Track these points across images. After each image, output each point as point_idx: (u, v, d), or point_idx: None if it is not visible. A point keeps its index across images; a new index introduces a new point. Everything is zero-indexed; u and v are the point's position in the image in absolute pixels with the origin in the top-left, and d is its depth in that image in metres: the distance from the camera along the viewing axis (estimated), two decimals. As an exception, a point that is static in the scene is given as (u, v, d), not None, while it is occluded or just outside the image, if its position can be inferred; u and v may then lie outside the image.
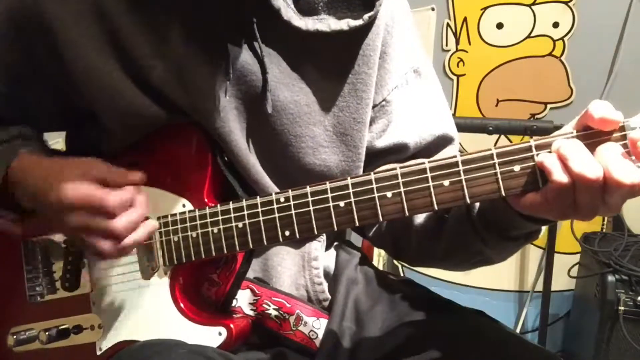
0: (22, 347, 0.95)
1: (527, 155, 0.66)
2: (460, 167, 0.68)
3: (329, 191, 0.74)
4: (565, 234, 2.10)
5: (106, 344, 0.90)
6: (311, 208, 0.75)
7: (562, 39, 2.08)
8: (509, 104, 2.16)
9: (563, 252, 2.16)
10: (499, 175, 0.67)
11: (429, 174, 0.69)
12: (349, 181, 0.73)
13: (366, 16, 0.84)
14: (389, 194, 0.71)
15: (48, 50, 0.83)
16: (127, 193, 0.79)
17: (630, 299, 1.77)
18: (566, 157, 0.62)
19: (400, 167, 0.71)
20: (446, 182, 0.69)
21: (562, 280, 2.16)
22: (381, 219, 0.72)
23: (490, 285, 2.32)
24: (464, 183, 0.68)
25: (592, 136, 0.64)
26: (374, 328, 0.90)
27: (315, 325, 0.89)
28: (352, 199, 0.73)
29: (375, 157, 0.94)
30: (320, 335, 0.89)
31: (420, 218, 0.91)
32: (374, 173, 0.72)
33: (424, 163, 0.70)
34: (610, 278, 1.80)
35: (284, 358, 0.89)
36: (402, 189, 0.71)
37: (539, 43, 2.10)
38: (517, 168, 0.66)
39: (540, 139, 0.66)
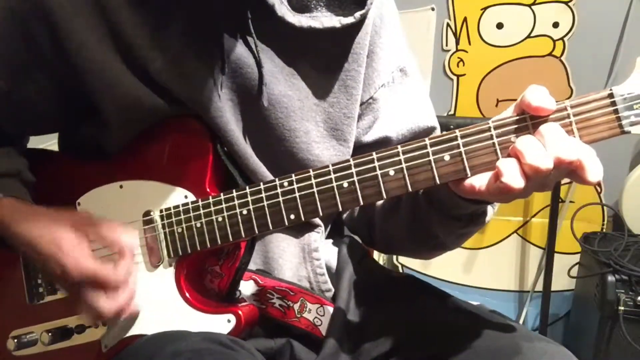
0: (23, 350, 0.94)
1: (523, 125, 0.68)
2: (460, 141, 0.70)
3: (331, 172, 0.75)
4: (565, 234, 2.10)
5: (112, 340, 0.89)
6: (315, 189, 0.76)
7: (562, 39, 2.09)
8: (509, 104, 2.14)
9: (563, 252, 2.16)
10: (497, 147, 0.68)
11: (429, 149, 0.71)
12: (352, 162, 0.75)
13: (357, 14, 0.87)
14: (391, 172, 0.73)
15: (50, 40, 0.84)
16: (126, 264, 0.83)
17: (630, 299, 1.77)
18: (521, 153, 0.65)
19: (402, 146, 0.72)
20: (447, 157, 0.71)
21: (562, 280, 2.16)
22: (385, 196, 0.74)
23: (490, 285, 2.32)
24: (464, 156, 0.70)
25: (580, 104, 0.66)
26: (378, 322, 0.90)
27: (320, 312, 0.89)
28: (355, 178, 0.74)
29: (360, 149, 0.96)
30: (325, 322, 0.89)
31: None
32: (376, 153, 0.73)
33: (424, 140, 0.71)
34: (610, 278, 1.80)
35: (290, 346, 0.89)
36: (403, 165, 0.72)
37: (539, 43, 2.11)
38: (513, 139, 0.68)
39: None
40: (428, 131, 0.98)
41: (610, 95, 0.65)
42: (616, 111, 0.65)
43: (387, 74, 0.96)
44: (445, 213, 0.82)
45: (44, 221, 0.84)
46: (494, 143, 0.68)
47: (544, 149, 0.64)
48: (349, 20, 0.86)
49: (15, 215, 0.86)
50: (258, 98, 0.86)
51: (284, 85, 0.88)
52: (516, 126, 0.68)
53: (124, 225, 0.86)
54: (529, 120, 0.67)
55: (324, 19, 0.86)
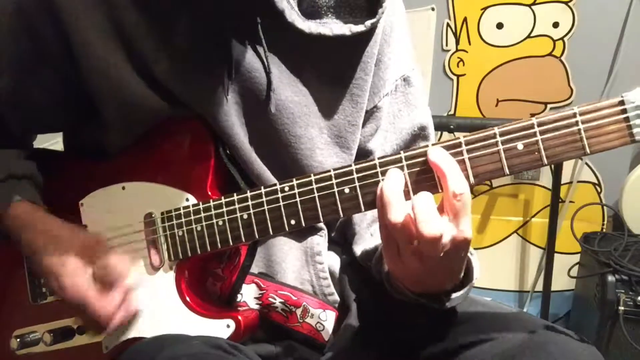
0: (25, 350, 0.94)
1: (530, 132, 0.67)
2: (464, 147, 0.69)
3: (333, 177, 0.75)
4: (565, 234, 2.10)
5: (112, 342, 0.89)
6: (316, 195, 0.76)
7: (562, 39, 2.09)
8: (509, 104, 2.17)
9: (563, 252, 2.16)
10: (502, 154, 0.68)
11: None
12: (354, 167, 0.74)
13: (368, 22, 0.86)
14: None
15: (56, 37, 0.84)
16: (118, 298, 0.83)
17: (630, 299, 1.77)
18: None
19: (404, 152, 0.71)
20: None
21: (562, 280, 2.16)
22: None
23: (490, 285, 2.33)
24: (467, 163, 0.69)
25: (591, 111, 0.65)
26: (383, 324, 0.90)
27: (322, 317, 0.89)
28: (357, 184, 0.73)
29: (362, 155, 0.96)
30: (327, 327, 0.89)
31: (358, 250, 0.95)
32: (378, 158, 0.73)
33: (427, 146, 0.70)
34: (610, 278, 1.80)
35: (292, 351, 0.89)
36: (406, 172, 0.71)
37: (539, 43, 2.11)
38: (519, 146, 0.67)
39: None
40: (423, 134, 0.97)
41: (621, 103, 0.63)
42: (627, 119, 0.63)
43: (391, 83, 0.95)
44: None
45: (55, 235, 0.85)
46: (498, 150, 0.68)
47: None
48: (360, 28, 0.85)
49: (29, 221, 0.87)
50: (265, 103, 0.86)
51: (290, 91, 0.88)
52: (523, 133, 0.67)
53: (128, 268, 0.85)
54: (536, 127, 0.67)
55: (334, 26, 0.85)
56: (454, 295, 0.78)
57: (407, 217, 0.67)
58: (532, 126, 0.67)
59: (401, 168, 0.71)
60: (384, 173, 0.72)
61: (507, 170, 0.68)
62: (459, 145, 0.69)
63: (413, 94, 0.98)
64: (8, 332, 0.96)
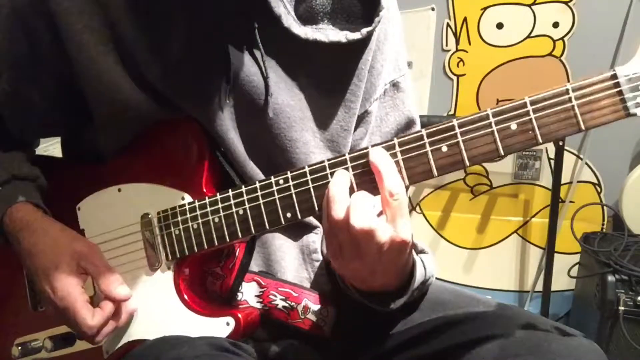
0: (27, 357, 0.94)
1: (523, 111, 0.67)
2: (457, 130, 0.68)
3: (327, 168, 0.74)
4: (565, 234, 2.10)
5: (113, 346, 0.89)
6: (311, 186, 0.75)
7: (562, 39, 2.09)
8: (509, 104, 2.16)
9: (563, 252, 2.16)
10: (496, 135, 0.67)
11: (426, 140, 0.70)
12: (347, 156, 0.73)
13: (364, 31, 0.86)
14: None
15: (51, 39, 0.84)
16: (107, 310, 0.84)
17: (630, 299, 1.77)
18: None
19: (398, 138, 0.71)
20: (444, 148, 0.69)
21: (562, 280, 2.16)
22: None
23: (490, 285, 2.32)
24: (461, 146, 0.68)
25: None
26: (385, 320, 0.90)
27: (323, 313, 0.89)
28: (351, 173, 0.73)
29: None
30: (329, 323, 0.89)
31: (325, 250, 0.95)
32: (371, 146, 0.72)
33: (420, 131, 0.70)
34: (610, 278, 1.80)
35: (294, 349, 0.89)
36: (400, 158, 0.71)
37: (539, 43, 2.11)
38: (513, 126, 0.67)
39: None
40: (410, 124, 0.98)
41: (614, 76, 0.63)
42: (620, 93, 0.63)
43: (381, 88, 0.96)
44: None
45: (53, 238, 0.86)
46: (492, 132, 0.68)
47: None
48: (355, 36, 0.86)
49: (29, 223, 0.88)
50: (262, 108, 0.86)
51: (286, 95, 0.88)
52: (519, 111, 0.67)
53: (121, 280, 0.86)
54: (529, 106, 0.66)
55: (330, 32, 0.86)
56: (399, 299, 0.80)
57: (348, 214, 0.68)
58: (524, 105, 0.66)
59: (394, 155, 0.71)
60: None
61: (502, 151, 0.68)
62: (452, 128, 0.69)
63: (401, 99, 0.98)
64: (9, 341, 0.96)
